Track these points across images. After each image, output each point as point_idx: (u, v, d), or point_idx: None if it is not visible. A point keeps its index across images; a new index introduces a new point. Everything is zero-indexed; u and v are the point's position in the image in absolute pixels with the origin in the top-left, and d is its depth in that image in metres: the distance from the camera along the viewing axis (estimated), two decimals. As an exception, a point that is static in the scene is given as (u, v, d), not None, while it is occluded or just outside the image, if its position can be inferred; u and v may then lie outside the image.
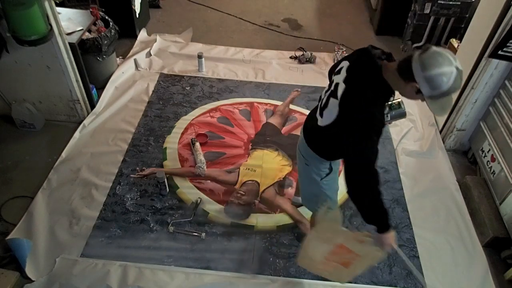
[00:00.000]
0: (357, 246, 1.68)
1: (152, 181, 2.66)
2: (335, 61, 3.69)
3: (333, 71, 1.73)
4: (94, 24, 3.20)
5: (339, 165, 1.96)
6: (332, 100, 1.59)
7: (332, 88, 1.61)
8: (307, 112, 3.28)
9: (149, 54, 3.78)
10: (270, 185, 2.69)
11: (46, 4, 2.40)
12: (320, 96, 1.77)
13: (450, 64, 1.29)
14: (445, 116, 2.98)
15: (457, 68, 1.29)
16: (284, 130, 3.15)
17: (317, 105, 1.78)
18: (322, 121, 1.67)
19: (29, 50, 2.53)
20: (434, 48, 1.31)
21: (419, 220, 2.55)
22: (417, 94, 1.38)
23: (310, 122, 1.81)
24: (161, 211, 2.51)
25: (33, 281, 2.11)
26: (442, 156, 2.95)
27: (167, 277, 2.17)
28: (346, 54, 3.70)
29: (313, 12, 4.77)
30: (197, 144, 2.89)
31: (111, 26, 3.28)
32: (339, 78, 1.58)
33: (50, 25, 2.45)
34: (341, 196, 2.24)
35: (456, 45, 3.41)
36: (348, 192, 1.55)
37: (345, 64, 1.60)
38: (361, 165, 1.50)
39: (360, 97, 1.47)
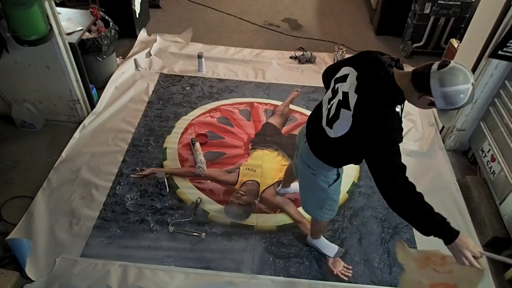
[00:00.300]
0: (447, 277, 1.52)
1: (152, 181, 2.66)
2: (335, 61, 3.71)
3: (330, 75, 1.69)
4: (94, 24, 3.20)
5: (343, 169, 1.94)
6: (344, 111, 1.53)
7: (341, 98, 1.56)
8: (307, 112, 3.29)
9: (149, 54, 3.78)
10: (270, 185, 2.68)
11: (46, 4, 2.40)
12: (320, 103, 1.74)
13: (468, 81, 1.29)
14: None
15: (472, 84, 1.30)
16: (284, 130, 3.15)
17: (318, 112, 1.73)
18: (332, 132, 1.62)
19: (29, 50, 2.53)
20: (453, 63, 1.31)
21: (419, 220, 2.54)
22: (429, 105, 1.37)
23: (316, 133, 1.73)
24: (161, 211, 2.51)
25: (33, 281, 2.11)
26: (442, 156, 2.95)
27: (167, 277, 2.17)
28: (346, 54, 3.74)
29: (313, 12, 4.77)
30: (197, 144, 2.89)
31: (111, 26, 3.28)
32: (347, 87, 1.53)
33: (50, 25, 2.45)
34: (341, 196, 2.23)
35: (456, 45, 3.41)
36: (390, 206, 1.47)
37: (350, 71, 1.55)
38: (393, 172, 1.44)
39: (378, 106, 1.44)
